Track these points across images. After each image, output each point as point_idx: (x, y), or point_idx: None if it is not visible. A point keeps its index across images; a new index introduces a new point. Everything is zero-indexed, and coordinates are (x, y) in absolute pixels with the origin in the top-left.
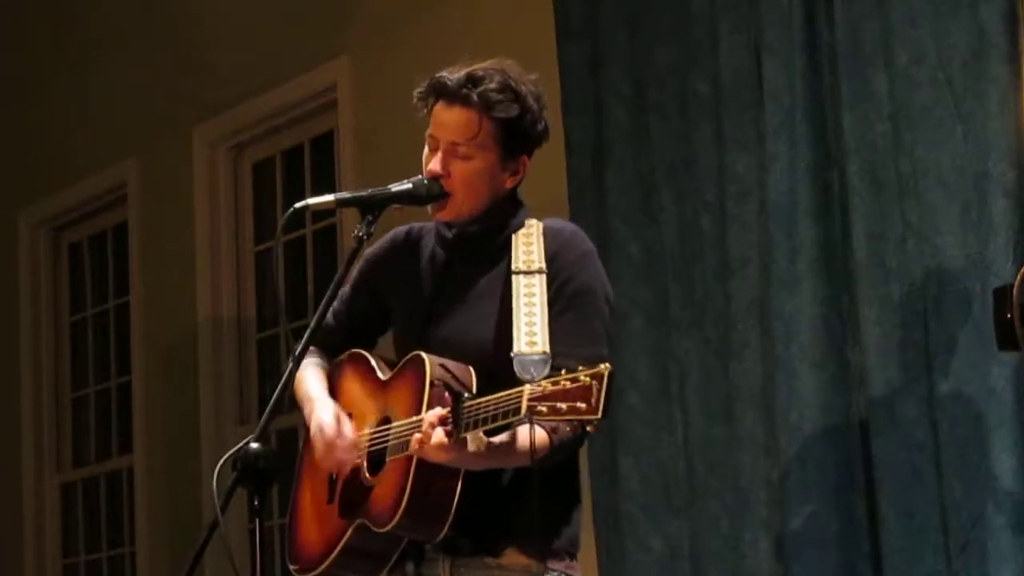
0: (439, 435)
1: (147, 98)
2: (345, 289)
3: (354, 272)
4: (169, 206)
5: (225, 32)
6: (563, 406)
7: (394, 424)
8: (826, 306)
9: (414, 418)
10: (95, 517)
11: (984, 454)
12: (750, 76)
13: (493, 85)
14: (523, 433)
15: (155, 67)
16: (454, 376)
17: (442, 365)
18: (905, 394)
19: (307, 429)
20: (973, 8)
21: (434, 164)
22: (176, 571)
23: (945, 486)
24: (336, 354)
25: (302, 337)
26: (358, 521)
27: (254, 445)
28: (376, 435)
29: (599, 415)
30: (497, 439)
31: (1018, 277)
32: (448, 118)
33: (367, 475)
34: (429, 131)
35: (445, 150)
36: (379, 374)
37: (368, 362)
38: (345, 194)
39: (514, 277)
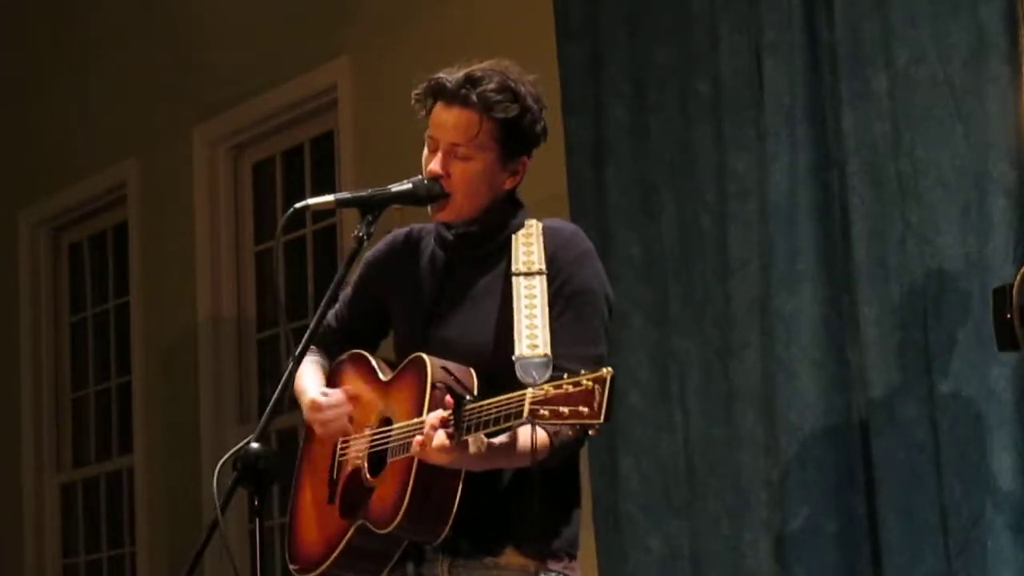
0: (440, 437)
1: (147, 98)
2: (346, 291)
3: (355, 274)
4: (169, 206)
5: (225, 32)
6: (565, 410)
7: (395, 425)
8: (826, 306)
9: (415, 420)
10: (95, 517)
11: (984, 454)
12: (750, 76)
13: (492, 85)
14: (524, 434)
15: (155, 67)
16: (455, 378)
17: (444, 367)
18: (905, 394)
19: (307, 428)
20: (973, 8)
21: (434, 165)
22: (176, 571)
23: (945, 486)
24: (336, 355)
25: (302, 337)
26: (359, 522)
27: (254, 445)
28: (377, 436)
29: (601, 419)
30: (498, 440)
31: (1018, 277)
32: (447, 119)
33: (368, 476)
34: (428, 132)
35: (445, 151)
36: (380, 375)
37: (369, 363)
38: (345, 194)
39: (514, 279)
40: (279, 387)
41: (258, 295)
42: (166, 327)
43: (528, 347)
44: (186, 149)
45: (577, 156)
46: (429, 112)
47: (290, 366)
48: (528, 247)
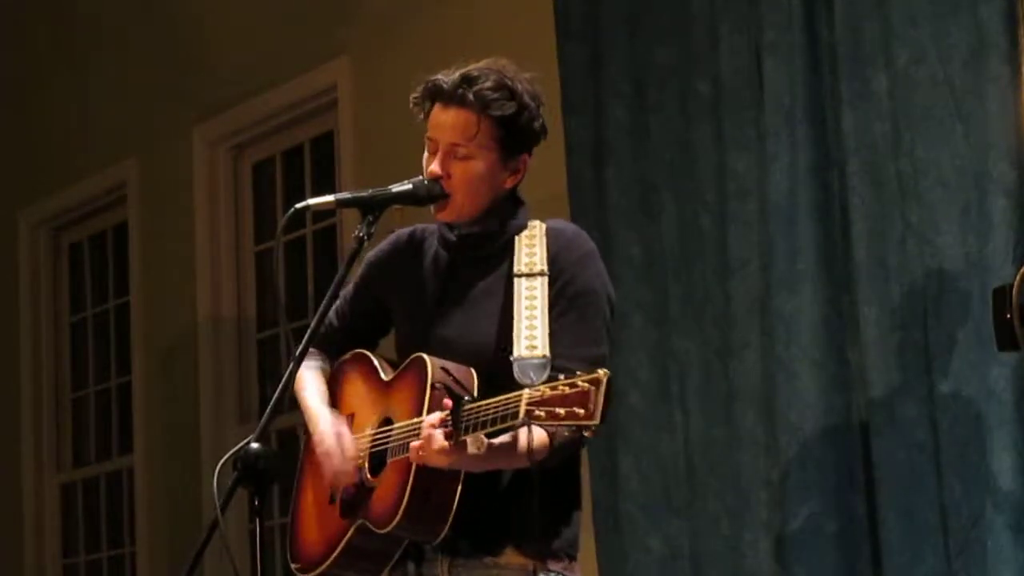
0: (439, 439)
1: (147, 98)
2: (347, 289)
3: (356, 273)
4: (169, 206)
5: (225, 32)
6: (561, 411)
7: (395, 425)
8: (826, 306)
9: (415, 420)
10: (95, 517)
11: (984, 454)
12: (750, 76)
13: (488, 84)
14: (524, 435)
15: (155, 67)
16: (455, 379)
17: (443, 368)
18: (905, 394)
19: (307, 432)
20: (973, 8)
21: (434, 166)
22: (176, 571)
23: (945, 486)
24: (337, 354)
25: (302, 337)
26: (359, 521)
27: (255, 445)
28: (378, 436)
29: (596, 421)
30: (497, 441)
31: (1017, 277)
32: (445, 119)
33: (368, 476)
34: (427, 134)
35: (444, 152)
36: (381, 375)
37: (371, 363)
38: (346, 195)
39: (515, 280)
40: (279, 388)
41: (258, 295)
42: (166, 327)
43: (527, 348)
44: (186, 149)
45: (577, 156)
46: (427, 115)
47: (291, 366)
48: (531, 248)
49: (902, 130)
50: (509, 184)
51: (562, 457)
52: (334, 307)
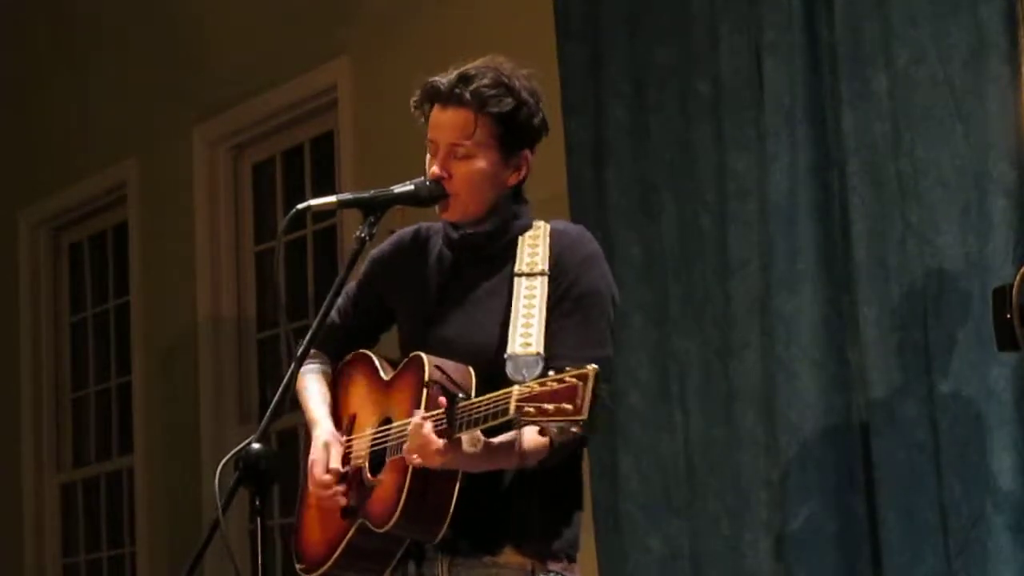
0: (432, 438)
1: (147, 98)
2: (350, 286)
3: (360, 271)
4: (169, 206)
5: (225, 32)
6: (550, 407)
7: (394, 424)
8: (826, 306)
9: (410, 418)
10: (95, 517)
11: (984, 454)
12: (750, 76)
13: (485, 81)
14: (523, 435)
15: (155, 67)
16: (449, 377)
17: (439, 366)
18: (905, 394)
19: (308, 433)
20: (973, 8)
21: (435, 167)
22: (176, 571)
23: (945, 486)
24: (339, 352)
25: (302, 337)
26: (359, 521)
27: (256, 445)
28: (378, 435)
29: (584, 416)
30: (496, 440)
31: (1017, 277)
32: (444, 120)
33: (368, 475)
34: (428, 136)
35: (445, 152)
36: (382, 374)
37: (372, 363)
38: (347, 195)
39: (515, 279)
40: (280, 389)
41: (258, 295)
42: (166, 327)
43: (521, 345)
44: (186, 149)
45: (577, 156)
46: (427, 117)
47: (292, 367)
48: (533, 248)
49: (902, 130)
50: (512, 181)
51: (562, 457)
52: (337, 305)
